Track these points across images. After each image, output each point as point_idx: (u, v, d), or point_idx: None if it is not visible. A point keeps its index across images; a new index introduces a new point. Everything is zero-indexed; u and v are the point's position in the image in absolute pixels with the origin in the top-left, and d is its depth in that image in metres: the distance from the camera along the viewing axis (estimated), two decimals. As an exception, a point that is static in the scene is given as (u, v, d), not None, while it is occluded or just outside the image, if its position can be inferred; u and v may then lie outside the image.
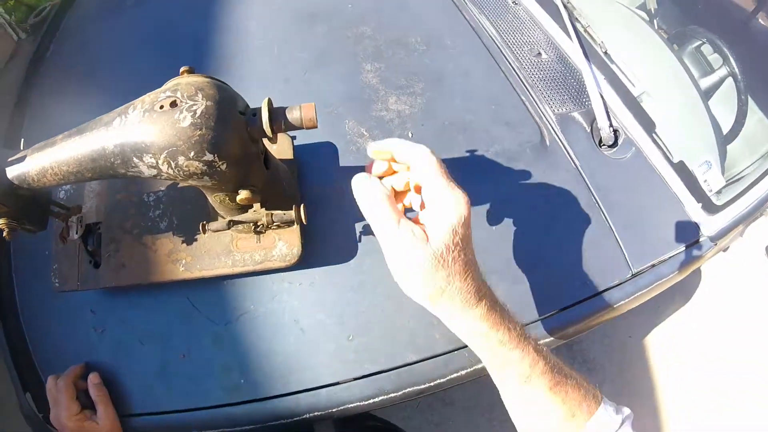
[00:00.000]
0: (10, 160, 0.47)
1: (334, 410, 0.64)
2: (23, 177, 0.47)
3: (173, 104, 0.41)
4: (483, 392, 1.47)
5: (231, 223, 0.54)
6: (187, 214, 0.64)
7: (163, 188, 0.66)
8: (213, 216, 0.61)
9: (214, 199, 0.53)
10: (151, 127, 0.41)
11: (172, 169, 0.43)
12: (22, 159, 0.47)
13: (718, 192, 0.85)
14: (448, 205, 0.39)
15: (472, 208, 0.41)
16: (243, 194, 0.50)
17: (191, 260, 0.62)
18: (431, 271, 0.38)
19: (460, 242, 0.39)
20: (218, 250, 0.62)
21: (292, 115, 0.46)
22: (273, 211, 0.54)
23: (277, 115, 0.46)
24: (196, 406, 0.65)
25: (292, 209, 0.56)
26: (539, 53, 0.87)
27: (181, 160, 0.42)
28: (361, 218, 0.69)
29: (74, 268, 0.64)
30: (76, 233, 0.62)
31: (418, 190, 0.43)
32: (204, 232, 0.54)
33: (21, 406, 0.69)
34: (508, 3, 0.93)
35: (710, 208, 0.81)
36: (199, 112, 0.41)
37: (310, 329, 0.65)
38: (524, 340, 0.43)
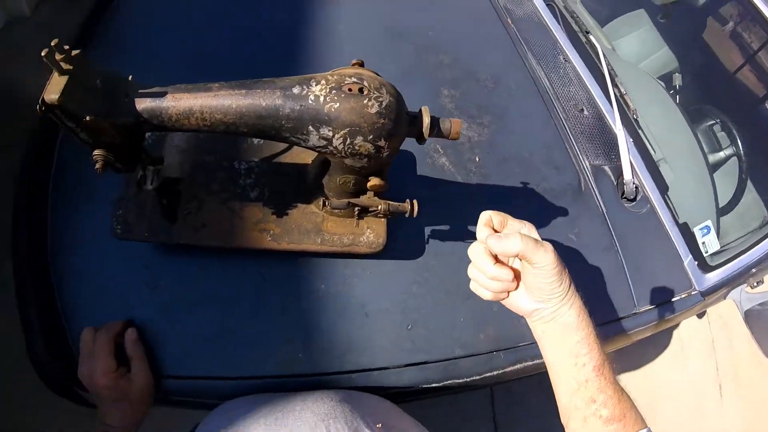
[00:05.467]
0: (142, 91, 0.46)
1: (381, 393, 0.68)
2: (157, 112, 0.46)
3: (361, 90, 0.47)
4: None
5: (349, 204, 0.59)
6: (281, 188, 0.67)
7: (256, 159, 0.69)
8: (309, 192, 0.65)
9: (338, 180, 0.57)
10: (338, 105, 0.46)
11: (344, 145, 0.48)
12: (161, 95, 0.46)
13: (713, 254, 0.99)
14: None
15: None
16: (375, 180, 0.56)
17: (279, 232, 0.65)
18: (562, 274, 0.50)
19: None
20: (308, 227, 0.65)
21: (444, 126, 0.53)
22: (389, 201, 0.59)
23: (434, 123, 0.52)
24: (247, 374, 0.66)
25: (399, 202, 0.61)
26: (582, 109, 0.99)
27: (359, 140, 0.47)
28: (432, 223, 0.76)
29: (143, 218, 0.62)
30: (152, 184, 0.61)
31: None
32: (324, 207, 0.59)
33: (29, 347, 0.65)
34: (559, 59, 1.06)
35: (704, 266, 0.95)
36: (384, 104, 0.47)
37: (374, 315, 0.70)
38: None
